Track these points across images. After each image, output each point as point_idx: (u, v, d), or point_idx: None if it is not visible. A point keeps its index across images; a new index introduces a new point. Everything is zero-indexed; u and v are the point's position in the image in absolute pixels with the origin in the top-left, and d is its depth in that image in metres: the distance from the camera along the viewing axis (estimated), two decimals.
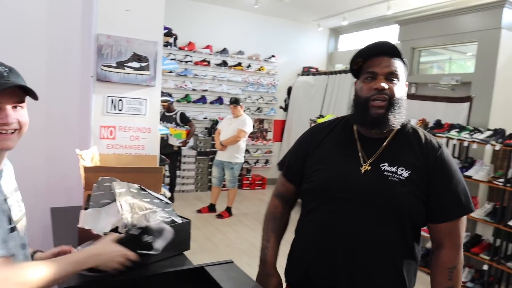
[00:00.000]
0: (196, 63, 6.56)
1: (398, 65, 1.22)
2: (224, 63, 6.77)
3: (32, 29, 2.36)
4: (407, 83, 1.28)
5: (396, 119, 1.20)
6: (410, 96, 4.92)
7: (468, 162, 3.85)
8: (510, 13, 4.12)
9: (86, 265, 1.07)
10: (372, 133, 1.24)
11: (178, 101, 6.42)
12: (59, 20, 2.42)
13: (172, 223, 1.63)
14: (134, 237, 1.19)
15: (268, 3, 6.14)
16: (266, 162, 7.49)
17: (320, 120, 5.50)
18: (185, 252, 1.69)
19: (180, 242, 1.66)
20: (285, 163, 1.45)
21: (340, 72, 6.67)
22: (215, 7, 6.62)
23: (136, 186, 1.63)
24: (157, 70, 2.49)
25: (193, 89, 6.58)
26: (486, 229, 3.83)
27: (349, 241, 1.18)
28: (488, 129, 3.79)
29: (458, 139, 3.83)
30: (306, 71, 7.47)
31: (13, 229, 1.04)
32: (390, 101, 1.19)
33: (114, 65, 2.37)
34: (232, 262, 1.46)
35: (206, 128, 6.83)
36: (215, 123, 6.74)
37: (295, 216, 1.44)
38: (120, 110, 2.45)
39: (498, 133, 3.59)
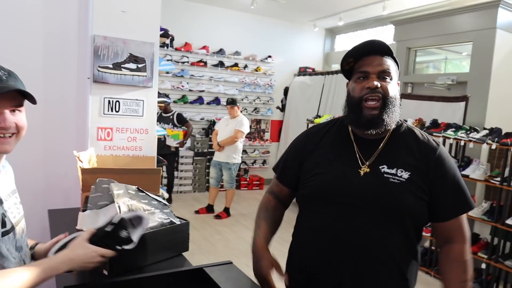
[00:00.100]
0: (192, 64, 6.56)
1: (390, 64, 1.21)
2: (220, 64, 6.77)
3: (28, 31, 2.36)
4: (399, 82, 1.27)
5: (391, 119, 1.19)
6: (406, 96, 4.95)
7: (464, 161, 3.87)
8: (505, 13, 4.14)
9: (60, 271, 1.05)
10: (368, 134, 1.22)
11: (175, 102, 6.41)
12: (56, 21, 2.41)
13: (170, 224, 1.63)
14: (109, 234, 1.15)
15: (264, 3, 6.15)
16: (264, 162, 7.49)
17: (318, 121, 5.51)
18: (184, 253, 1.69)
19: (179, 243, 1.66)
20: (279, 167, 1.43)
21: (336, 72, 6.68)
22: (212, 7, 6.62)
23: (134, 187, 1.62)
24: (153, 71, 2.49)
25: (190, 90, 6.57)
26: (483, 228, 3.85)
27: (352, 245, 1.16)
28: (484, 128, 3.81)
29: (455, 139, 3.85)
30: (303, 72, 7.49)
31: (7, 232, 1.04)
32: (384, 100, 1.17)
33: (111, 66, 2.37)
34: (231, 262, 1.46)
35: (203, 128, 6.83)
36: (212, 123, 6.73)
37: (291, 217, 1.42)
38: (117, 112, 2.45)
39: (494, 132, 3.61)
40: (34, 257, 1.22)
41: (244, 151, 6.83)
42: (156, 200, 1.66)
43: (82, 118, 2.48)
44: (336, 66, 7.53)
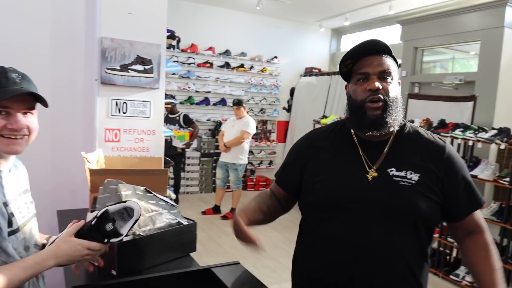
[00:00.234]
0: (199, 65, 6.58)
1: (390, 63, 1.17)
2: (226, 65, 6.78)
3: (36, 34, 2.38)
4: (400, 81, 1.23)
5: (394, 120, 1.15)
6: (413, 96, 4.92)
7: (473, 162, 3.83)
8: None
9: (47, 266, 1.04)
10: (372, 136, 1.18)
11: (181, 103, 6.44)
12: (63, 24, 2.43)
13: (178, 224, 1.63)
14: (93, 227, 1.12)
15: (270, 4, 6.15)
16: (270, 163, 7.49)
17: (324, 121, 5.50)
18: (191, 254, 1.69)
19: (186, 244, 1.67)
20: (278, 173, 1.41)
21: None
22: (217, 9, 6.63)
23: (142, 188, 1.63)
24: (160, 72, 2.50)
25: (196, 91, 6.59)
26: (492, 228, 3.79)
27: (365, 252, 1.12)
28: (493, 128, 3.78)
29: (463, 139, 3.82)
30: (309, 72, 7.48)
31: (14, 232, 1.05)
32: (386, 101, 1.14)
33: (118, 68, 2.39)
34: (238, 263, 1.46)
35: (209, 129, 6.84)
36: (218, 124, 6.75)
37: (298, 218, 1.39)
38: (124, 113, 2.46)
39: (503, 132, 3.57)
40: None
41: (251, 152, 6.83)
42: (164, 200, 1.67)
43: (90, 119, 2.50)
44: None
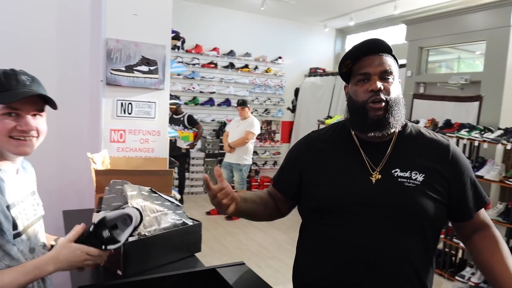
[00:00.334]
0: (203, 66, 6.60)
1: (391, 62, 1.15)
2: (231, 65, 6.79)
3: (42, 35, 2.40)
4: (400, 79, 1.20)
5: (396, 121, 1.13)
6: (418, 96, 4.90)
7: (479, 162, 3.81)
8: None
9: (46, 271, 1.05)
10: (373, 137, 1.15)
11: (186, 103, 6.45)
12: (69, 25, 2.45)
13: (183, 225, 1.64)
14: (91, 234, 1.13)
15: (274, 4, 6.15)
16: (274, 163, 7.48)
17: (329, 121, 5.49)
18: (196, 254, 1.70)
19: (191, 244, 1.67)
20: (276, 176, 1.37)
21: None
22: (222, 9, 6.65)
23: (147, 188, 1.64)
24: (165, 73, 2.51)
25: (201, 92, 6.61)
26: (498, 229, 3.77)
27: (371, 257, 1.08)
28: (499, 128, 3.75)
29: (469, 139, 3.79)
30: (313, 72, 7.47)
31: (18, 235, 1.06)
32: (388, 102, 1.11)
33: (123, 69, 2.40)
34: (243, 263, 1.46)
35: (214, 130, 6.85)
36: (223, 125, 6.76)
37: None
38: (129, 114, 2.47)
39: (509, 132, 3.55)
40: None
41: (255, 152, 6.83)
42: (169, 201, 1.67)
43: (96, 120, 2.51)
44: None
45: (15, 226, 1.05)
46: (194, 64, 6.50)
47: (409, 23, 5.31)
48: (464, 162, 1.17)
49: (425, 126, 3.95)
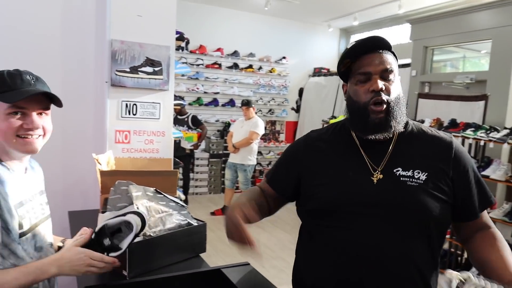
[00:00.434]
0: (207, 66, 6.61)
1: (392, 60, 1.11)
2: (235, 66, 6.80)
3: (47, 36, 2.41)
4: (400, 76, 1.16)
5: (398, 123, 1.10)
6: (423, 96, 4.87)
7: (484, 162, 3.78)
8: None
9: (48, 273, 1.05)
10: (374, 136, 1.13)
11: (190, 104, 6.46)
12: (74, 27, 2.46)
13: (188, 225, 1.64)
14: (93, 241, 1.15)
15: (278, 5, 6.15)
16: None
17: (333, 121, 5.47)
18: (201, 254, 1.70)
19: (196, 244, 1.68)
20: (271, 173, 1.33)
21: None
22: (226, 10, 6.65)
23: (152, 189, 1.64)
24: (170, 74, 2.52)
25: (205, 92, 6.62)
26: (504, 229, 3.75)
27: (375, 258, 1.06)
28: (505, 128, 3.72)
29: (474, 138, 3.77)
30: (318, 72, 7.46)
31: (24, 234, 1.07)
32: (389, 103, 1.08)
33: (128, 70, 2.41)
34: (248, 264, 1.46)
35: (218, 130, 6.86)
36: (227, 125, 6.76)
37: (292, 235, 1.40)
38: (134, 115, 2.48)
39: None
40: None
41: (259, 153, 6.83)
42: (174, 201, 1.68)
43: (100, 121, 2.53)
44: None
45: (20, 225, 1.05)
46: (198, 65, 6.51)
47: (414, 22, 5.29)
48: (467, 159, 1.15)
49: (430, 126, 3.93)
